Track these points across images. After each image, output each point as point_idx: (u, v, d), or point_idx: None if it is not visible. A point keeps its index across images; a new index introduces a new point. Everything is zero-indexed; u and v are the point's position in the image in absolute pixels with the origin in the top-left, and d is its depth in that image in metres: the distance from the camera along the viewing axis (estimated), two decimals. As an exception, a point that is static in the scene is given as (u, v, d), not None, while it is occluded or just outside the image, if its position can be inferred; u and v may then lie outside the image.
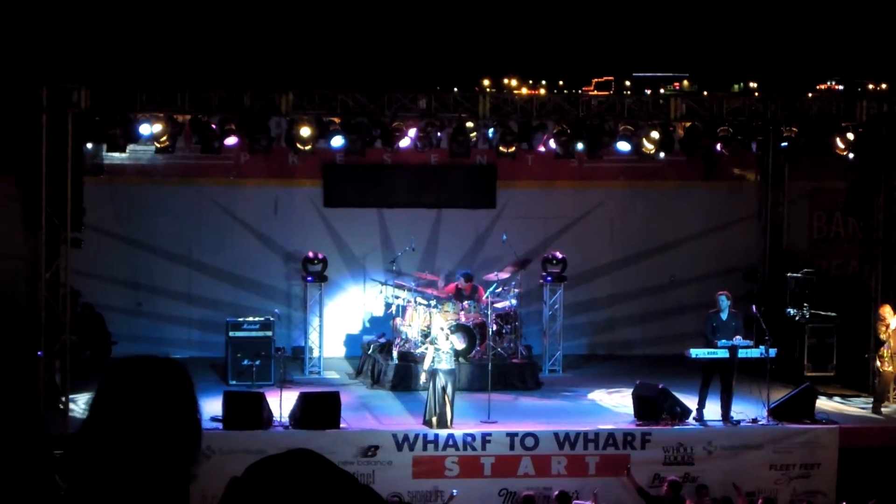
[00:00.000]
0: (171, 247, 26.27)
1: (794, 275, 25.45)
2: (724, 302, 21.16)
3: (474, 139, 23.47)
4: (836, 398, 23.25)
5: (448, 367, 20.24)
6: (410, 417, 21.16)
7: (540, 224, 27.04)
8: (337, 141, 22.78)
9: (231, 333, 23.41)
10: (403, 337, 23.90)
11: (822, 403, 22.11)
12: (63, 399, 20.95)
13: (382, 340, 24.59)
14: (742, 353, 20.86)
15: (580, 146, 23.38)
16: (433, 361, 20.30)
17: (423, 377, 21.06)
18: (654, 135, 23.11)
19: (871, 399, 22.64)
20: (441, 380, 20.08)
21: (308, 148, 22.68)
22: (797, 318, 24.61)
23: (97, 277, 25.27)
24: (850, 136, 23.28)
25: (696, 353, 20.95)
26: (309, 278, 24.69)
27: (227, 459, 18.97)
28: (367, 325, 26.34)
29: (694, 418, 20.92)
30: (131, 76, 22.58)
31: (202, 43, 24.92)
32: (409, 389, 22.96)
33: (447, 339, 20.63)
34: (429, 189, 26.74)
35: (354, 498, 3.06)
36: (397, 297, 24.59)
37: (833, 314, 24.62)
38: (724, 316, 21.10)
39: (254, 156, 24.40)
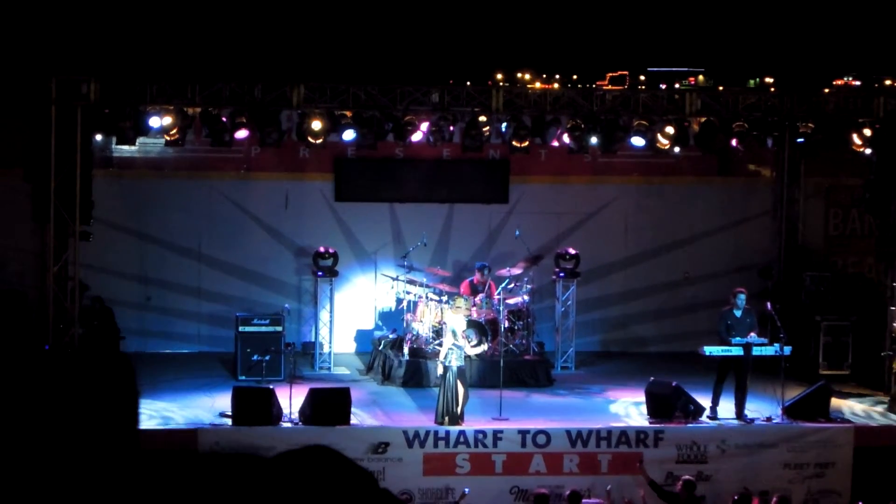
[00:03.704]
0: (181, 241, 26.13)
1: (810, 272, 25.33)
2: (742, 299, 20.97)
3: (487, 133, 23.36)
4: (852, 397, 23.04)
5: (459, 363, 20.08)
6: (421, 414, 21.00)
7: (553, 220, 26.83)
8: (348, 135, 22.68)
9: (241, 328, 23.25)
10: (415, 333, 23.73)
11: (838, 402, 21.91)
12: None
13: (393, 336, 24.41)
14: (756, 351, 20.72)
15: (594, 141, 23.27)
16: (446, 358, 20.13)
17: (439, 369, 20.61)
18: (669, 130, 22.98)
19: (888, 398, 22.45)
20: (453, 376, 19.92)
21: (319, 141, 22.59)
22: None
23: (106, 271, 25.15)
24: (868, 131, 23.09)
25: (710, 350, 20.81)
26: (319, 273, 24.52)
27: (236, 456, 18.85)
28: (378, 320, 26.17)
29: (707, 416, 20.76)
30: (141, 68, 22.44)
31: (213, 35, 24.74)
32: (419, 386, 22.81)
33: (465, 337, 20.48)
34: (441, 184, 26.55)
35: (373, 499, 2.91)
36: (409, 293, 24.42)
37: (849, 312, 24.49)
38: (738, 313, 20.92)
39: (264, 149, 24.31)
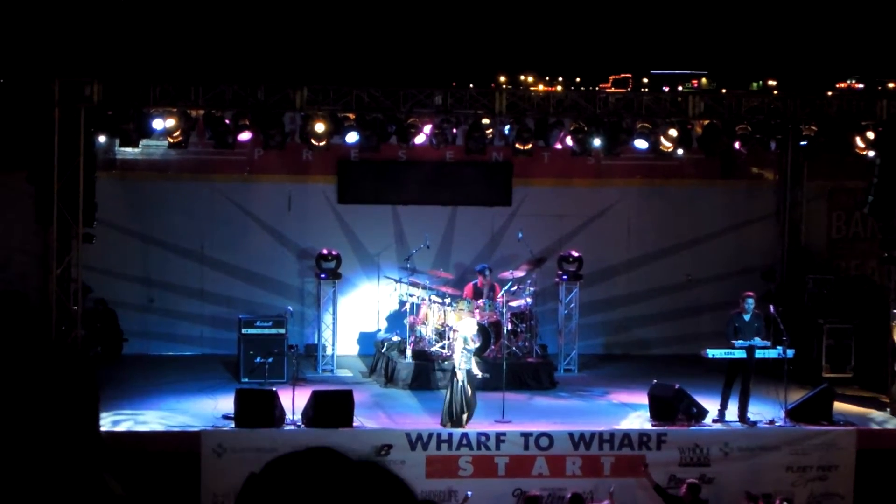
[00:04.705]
0: (184, 243, 26.15)
1: (813, 275, 25.36)
2: (751, 303, 20.97)
3: (490, 136, 23.39)
4: (854, 399, 23.01)
5: (467, 366, 20.08)
6: (424, 416, 21.01)
7: (556, 222, 26.85)
8: (351, 137, 22.67)
9: (244, 330, 23.26)
10: (418, 335, 23.74)
11: (840, 405, 21.89)
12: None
13: (396, 338, 24.41)
14: (760, 354, 20.70)
15: (597, 143, 23.23)
16: (458, 363, 20.10)
17: (459, 375, 20.41)
18: (672, 133, 22.96)
19: (890, 401, 22.42)
20: (460, 379, 19.91)
21: (322, 144, 22.58)
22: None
23: (109, 273, 25.16)
24: (871, 134, 23.05)
25: (713, 353, 20.80)
26: (322, 275, 24.52)
27: (239, 458, 18.86)
28: (381, 322, 26.18)
29: (714, 419, 20.74)
30: (144, 70, 22.42)
31: (216, 37, 24.74)
32: (423, 388, 22.82)
33: (472, 341, 20.48)
34: (444, 186, 26.54)
35: (379, 495, 2.89)
36: (412, 295, 24.41)
37: (852, 315, 24.50)
38: (747, 317, 20.92)
39: (267, 151, 24.29)
